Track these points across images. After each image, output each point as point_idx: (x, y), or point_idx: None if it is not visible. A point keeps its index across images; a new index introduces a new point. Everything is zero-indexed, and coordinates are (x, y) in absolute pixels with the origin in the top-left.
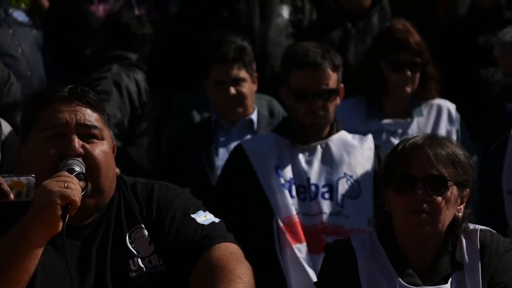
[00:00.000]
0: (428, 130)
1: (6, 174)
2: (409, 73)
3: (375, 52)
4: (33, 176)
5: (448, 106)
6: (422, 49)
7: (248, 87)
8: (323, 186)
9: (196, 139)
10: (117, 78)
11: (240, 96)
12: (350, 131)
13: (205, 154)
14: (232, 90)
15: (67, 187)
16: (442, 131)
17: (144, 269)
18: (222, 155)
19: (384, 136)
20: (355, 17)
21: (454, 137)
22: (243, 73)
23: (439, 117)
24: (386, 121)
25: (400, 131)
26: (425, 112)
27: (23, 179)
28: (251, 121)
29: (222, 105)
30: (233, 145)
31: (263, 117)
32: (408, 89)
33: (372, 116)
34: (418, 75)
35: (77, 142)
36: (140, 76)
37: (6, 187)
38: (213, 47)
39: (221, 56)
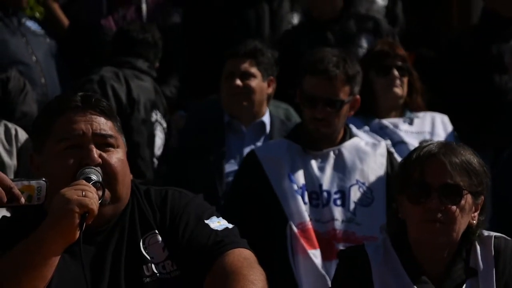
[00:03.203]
0: (427, 129)
1: (17, 178)
2: (396, 73)
3: (364, 67)
4: (43, 180)
5: (441, 115)
6: (407, 59)
7: (258, 84)
8: (335, 193)
9: (206, 140)
10: (103, 79)
11: (247, 90)
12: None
13: (214, 158)
14: (238, 82)
15: (85, 196)
16: (440, 130)
17: (157, 274)
18: (234, 160)
19: (388, 130)
20: (330, 24)
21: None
22: (253, 69)
23: (434, 121)
24: (387, 119)
25: (402, 126)
26: (420, 115)
27: (33, 183)
28: (263, 123)
29: (228, 98)
30: (246, 148)
31: (276, 119)
32: (398, 91)
33: (371, 120)
34: (406, 80)
35: (95, 152)
36: (147, 82)
37: (17, 191)
38: (231, 47)
39: (234, 51)
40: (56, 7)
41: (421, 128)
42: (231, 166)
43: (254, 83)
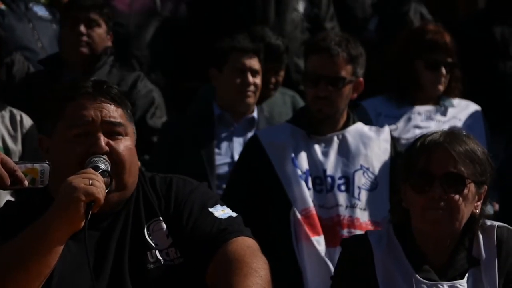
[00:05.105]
0: (459, 123)
1: (21, 161)
2: (444, 71)
3: (410, 52)
4: (47, 163)
5: (476, 107)
6: (454, 50)
7: (261, 81)
8: (339, 178)
9: (195, 132)
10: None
11: (255, 87)
12: (386, 115)
13: (205, 151)
14: (251, 79)
15: (92, 185)
16: (471, 122)
17: (161, 261)
18: (224, 152)
19: (420, 118)
20: None
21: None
22: (258, 66)
23: (468, 113)
24: (421, 106)
25: (435, 116)
26: (455, 103)
27: (37, 165)
28: (253, 119)
29: (235, 94)
30: (236, 142)
31: (262, 116)
32: (441, 88)
33: (405, 105)
34: (449, 75)
35: (103, 140)
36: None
37: (20, 173)
38: (236, 37)
39: (242, 47)
40: None
41: (454, 120)
42: (221, 159)
43: (258, 80)
